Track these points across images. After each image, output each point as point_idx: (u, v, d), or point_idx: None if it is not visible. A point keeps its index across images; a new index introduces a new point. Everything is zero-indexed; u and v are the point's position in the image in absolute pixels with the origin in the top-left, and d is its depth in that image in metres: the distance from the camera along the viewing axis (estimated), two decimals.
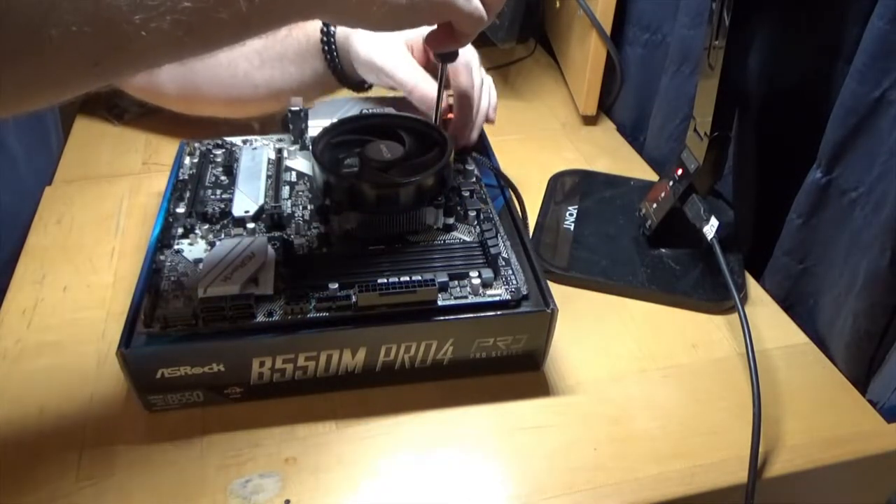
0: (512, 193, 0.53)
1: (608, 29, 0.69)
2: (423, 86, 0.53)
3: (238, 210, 0.48)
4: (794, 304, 0.53)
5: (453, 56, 0.46)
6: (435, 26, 0.42)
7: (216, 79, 0.61)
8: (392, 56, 0.54)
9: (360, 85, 0.61)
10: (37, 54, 0.25)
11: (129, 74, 0.29)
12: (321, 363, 0.42)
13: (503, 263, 0.45)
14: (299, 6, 0.31)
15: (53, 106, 0.30)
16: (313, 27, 0.58)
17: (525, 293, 0.43)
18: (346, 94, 0.63)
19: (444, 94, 0.51)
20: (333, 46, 0.57)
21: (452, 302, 0.42)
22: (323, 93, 0.62)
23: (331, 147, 0.49)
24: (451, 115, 0.58)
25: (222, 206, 0.49)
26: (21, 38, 0.24)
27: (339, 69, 0.58)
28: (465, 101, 0.53)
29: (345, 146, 0.50)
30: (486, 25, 0.40)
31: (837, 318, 0.48)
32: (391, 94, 0.60)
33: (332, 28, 0.57)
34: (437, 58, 0.46)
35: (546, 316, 0.43)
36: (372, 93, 0.61)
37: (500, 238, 0.46)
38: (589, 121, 0.76)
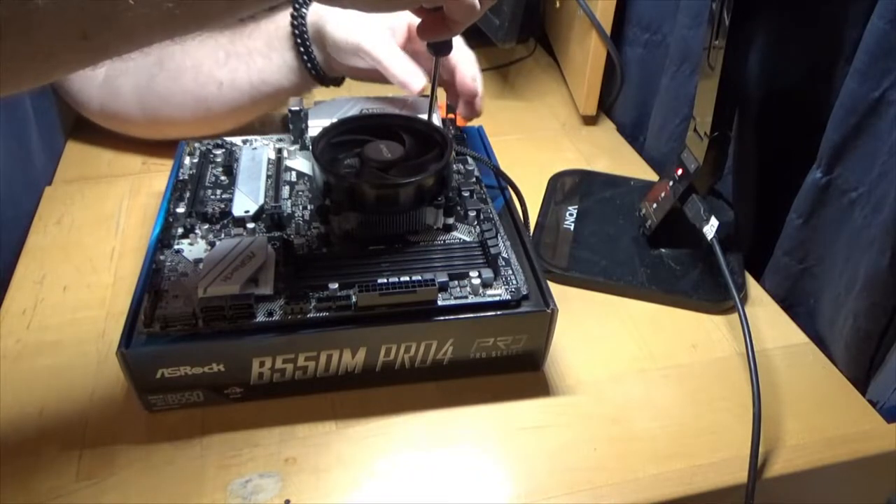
0: (512, 193, 0.53)
1: (608, 29, 0.69)
2: (400, 62, 0.53)
3: (238, 210, 0.48)
4: (794, 304, 0.53)
5: (447, 49, 0.46)
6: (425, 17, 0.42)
7: (178, 84, 0.60)
8: (372, 36, 0.54)
9: (331, 80, 0.60)
10: (23, 23, 0.25)
11: (120, 51, 0.29)
12: (321, 363, 0.42)
13: (503, 263, 0.45)
14: None
15: (45, 86, 0.29)
16: (283, 17, 0.57)
17: (525, 293, 0.43)
18: (343, 94, 0.63)
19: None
20: (305, 32, 0.57)
21: (452, 302, 0.42)
22: (288, 91, 0.60)
23: (331, 147, 0.49)
24: (451, 116, 0.59)
25: (222, 206, 0.49)
26: (6, 5, 0.24)
27: (310, 57, 0.58)
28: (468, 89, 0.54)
29: (345, 146, 0.50)
30: (478, 16, 0.40)
31: (837, 318, 0.48)
32: (390, 93, 0.60)
33: (304, 11, 0.56)
34: (431, 50, 0.46)
35: (546, 316, 0.43)
36: (373, 93, 0.61)
37: (500, 238, 0.46)
38: (589, 121, 0.76)
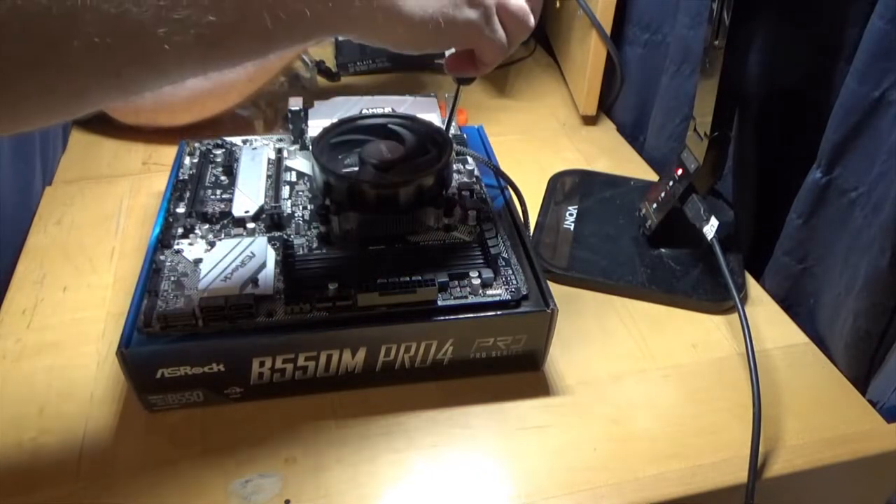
0: (512, 192, 0.53)
1: (608, 29, 0.69)
2: None
3: (238, 210, 0.48)
4: (794, 304, 0.53)
5: (471, 80, 0.46)
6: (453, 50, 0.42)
7: None
8: None
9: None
10: (58, 64, 0.25)
11: (151, 87, 0.29)
12: (321, 363, 0.42)
13: (503, 263, 0.45)
14: (327, 24, 0.31)
15: (75, 117, 0.30)
16: None
17: (525, 293, 0.43)
18: (343, 94, 0.63)
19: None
20: None
21: (452, 302, 0.42)
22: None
23: (331, 147, 0.49)
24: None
25: (222, 206, 0.49)
26: (43, 47, 0.25)
27: None
28: None
29: (345, 146, 0.50)
30: (507, 55, 0.40)
31: (837, 318, 0.48)
32: (391, 94, 0.60)
33: None
34: (455, 80, 0.46)
35: (546, 316, 0.43)
36: (372, 93, 0.61)
37: (499, 238, 0.47)
38: (589, 121, 0.76)
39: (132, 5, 0.25)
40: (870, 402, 0.46)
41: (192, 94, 0.62)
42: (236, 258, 0.43)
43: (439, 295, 0.42)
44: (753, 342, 0.45)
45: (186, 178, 0.52)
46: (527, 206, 0.53)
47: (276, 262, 0.43)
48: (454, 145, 0.49)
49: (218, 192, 0.51)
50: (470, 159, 0.55)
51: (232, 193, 0.50)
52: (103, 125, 0.67)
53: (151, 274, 0.43)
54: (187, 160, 0.54)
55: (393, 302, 0.41)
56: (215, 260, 0.43)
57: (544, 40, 0.90)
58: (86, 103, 0.28)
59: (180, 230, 0.47)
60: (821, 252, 0.51)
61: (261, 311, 0.40)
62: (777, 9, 0.52)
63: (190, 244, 0.46)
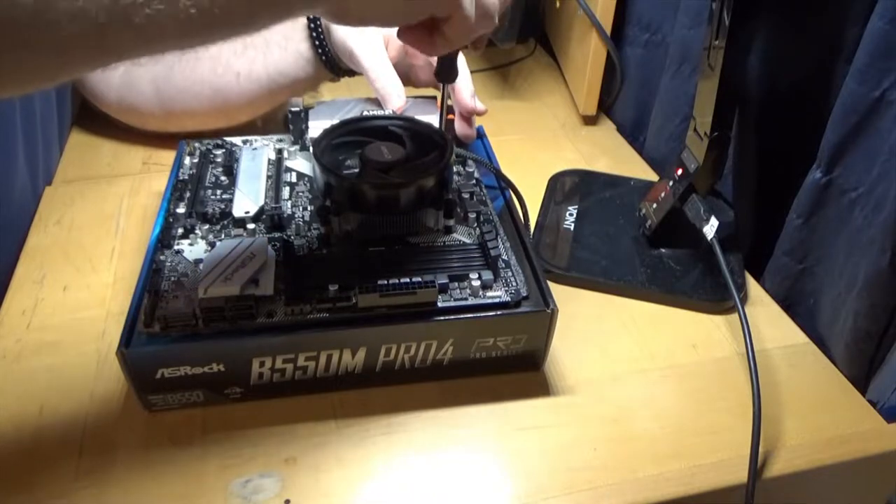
0: (512, 194, 0.53)
1: (608, 29, 0.69)
2: (386, 77, 0.54)
3: (238, 210, 0.48)
4: (794, 304, 0.53)
5: (453, 75, 0.46)
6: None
7: (196, 73, 0.60)
8: (365, 43, 0.55)
9: (345, 71, 0.61)
10: (48, 16, 0.24)
11: (132, 54, 0.28)
12: (321, 363, 0.42)
13: (503, 265, 0.44)
14: None
15: (55, 86, 0.29)
16: None
17: (525, 295, 0.43)
18: (344, 95, 0.63)
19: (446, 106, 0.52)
20: (319, 24, 0.57)
21: (452, 303, 0.42)
22: (304, 84, 0.61)
23: (331, 148, 0.49)
24: (451, 116, 0.59)
25: (222, 206, 0.49)
26: (25, 6, 0.24)
27: (324, 49, 0.58)
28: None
29: (345, 147, 0.50)
30: (469, 36, 0.38)
31: (837, 318, 0.48)
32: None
33: None
34: (437, 77, 0.46)
35: (546, 316, 0.43)
36: (374, 94, 0.61)
37: (499, 240, 0.46)
38: (589, 121, 0.76)
39: None
40: (870, 402, 0.46)
41: (204, 104, 0.62)
42: (236, 258, 0.43)
43: (439, 297, 0.42)
44: (753, 342, 0.45)
45: (186, 178, 0.52)
46: (527, 206, 0.53)
47: (277, 262, 0.43)
48: (454, 147, 0.49)
49: (218, 192, 0.51)
50: (470, 160, 0.55)
51: (232, 194, 0.50)
52: (103, 125, 0.67)
53: (151, 274, 0.43)
54: (187, 160, 0.54)
55: (393, 303, 0.41)
56: (215, 260, 0.43)
57: (544, 40, 0.90)
58: (65, 66, 0.27)
59: (180, 230, 0.47)
60: (821, 252, 0.51)
61: (261, 311, 0.41)
62: (777, 9, 0.52)
63: (190, 244, 0.46)
